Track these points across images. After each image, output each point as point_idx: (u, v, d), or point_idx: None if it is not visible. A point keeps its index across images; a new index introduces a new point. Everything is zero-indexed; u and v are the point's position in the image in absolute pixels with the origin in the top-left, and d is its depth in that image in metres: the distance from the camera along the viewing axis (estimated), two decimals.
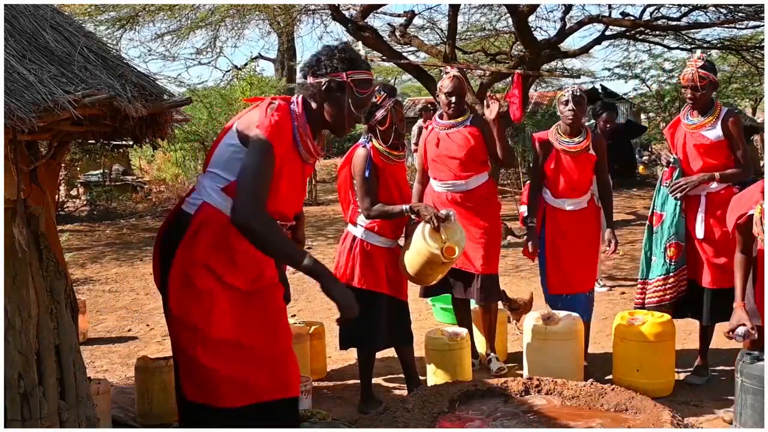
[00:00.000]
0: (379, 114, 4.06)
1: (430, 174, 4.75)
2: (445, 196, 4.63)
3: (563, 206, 4.67)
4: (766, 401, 3.39)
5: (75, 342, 3.01)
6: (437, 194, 4.68)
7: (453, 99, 4.58)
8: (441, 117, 4.73)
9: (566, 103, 4.56)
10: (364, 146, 4.11)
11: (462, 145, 4.58)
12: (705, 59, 4.36)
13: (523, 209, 10.50)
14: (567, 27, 10.34)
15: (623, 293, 6.50)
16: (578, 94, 4.57)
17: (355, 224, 4.20)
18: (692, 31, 11.19)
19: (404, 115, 4.26)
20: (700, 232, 4.37)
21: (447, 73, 4.68)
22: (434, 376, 4.36)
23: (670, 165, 4.44)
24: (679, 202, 4.38)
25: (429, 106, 9.28)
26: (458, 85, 4.59)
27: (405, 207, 4.07)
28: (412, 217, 4.08)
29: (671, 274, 4.42)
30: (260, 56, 21.00)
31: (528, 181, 10.69)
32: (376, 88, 4.08)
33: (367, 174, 4.05)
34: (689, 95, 4.31)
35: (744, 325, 3.53)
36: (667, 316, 4.38)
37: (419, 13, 12.49)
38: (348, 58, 2.76)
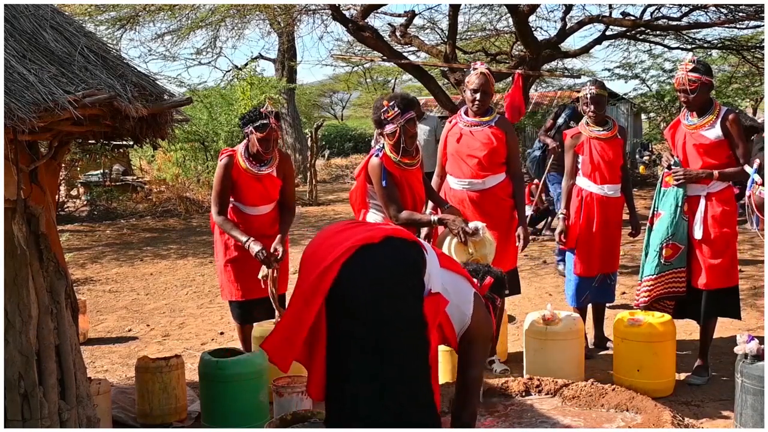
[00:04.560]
0: (388, 129, 4.06)
1: (447, 169, 4.72)
2: (461, 194, 4.60)
3: (602, 192, 4.89)
4: (766, 401, 3.39)
5: (75, 342, 3.02)
6: (453, 192, 4.64)
7: (478, 96, 4.53)
8: (466, 113, 4.67)
9: (587, 104, 4.88)
10: (377, 156, 4.11)
11: (484, 145, 4.54)
12: (696, 61, 4.36)
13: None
14: (567, 27, 10.33)
15: (623, 293, 6.50)
16: (595, 93, 4.85)
17: None
18: (693, 31, 11.18)
19: (416, 132, 4.20)
20: (698, 232, 4.37)
21: (475, 69, 4.61)
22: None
23: (671, 168, 4.44)
24: (680, 203, 4.38)
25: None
26: (485, 81, 4.53)
27: (434, 218, 4.07)
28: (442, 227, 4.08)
29: (664, 273, 4.42)
30: (260, 56, 20.95)
31: (528, 182, 10.69)
32: (391, 102, 4.07)
33: (384, 183, 4.07)
34: (683, 99, 4.36)
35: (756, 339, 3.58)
36: (667, 317, 4.38)
37: (419, 13, 12.50)
38: None
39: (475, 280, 3.08)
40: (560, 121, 8.40)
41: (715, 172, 4.30)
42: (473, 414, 3.01)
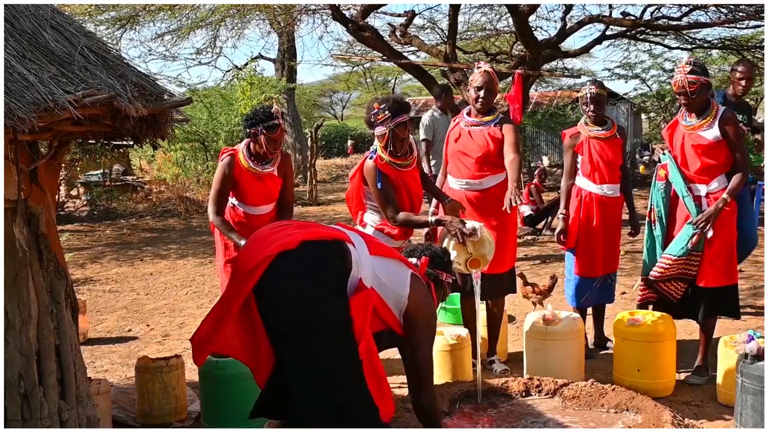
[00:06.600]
0: (378, 131, 4.06)
1: (448, 169, 4.74)
2: (460, 194, 4.60)
3: (602, 192, 4.87)
4: (766, 401, 3.39)
5: (75, 342, 3.02)
6: (453, 192, 4.64)
7: (482, 93, 4.53)
8: (469, 113, 4.68)
9: (586, 104, 4.86)
10: (371, 158, 4.11)
11: (480, 146, 4.53)
12: (693, 63, 4.36)
13: (524, 209, 10.49)
14: (567, 27, 10.36)
15: (623, 293, 6.49)
16: (595, 93, 4.82)
17: (364, 226, 4.21)
18: (693, 30, 11.21)
19: (409, 134, 4.14)
20: None
21: (479, 68, 4.62)
22: (435, 376, 4.35)
23: (662, 162, 4.46)
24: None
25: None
26: (489, 80, 4.53)
27: (431, 219, 4.07)
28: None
29: (684, 257, 4.39)
30: (260, 56, 20.97)
31: (528, 182, 10.68)
32: (382, 105, 4.06)
33: (379, 186, 4.07)
34: (683, 101, 4.37)
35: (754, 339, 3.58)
36: (667, 316, 4.38)
37: (419, 13, 12.57)
38: None
39: (414, 260, 3.15)
40: None
41: (726, 197, 4.30)
42: (432, 397, 3.02)
